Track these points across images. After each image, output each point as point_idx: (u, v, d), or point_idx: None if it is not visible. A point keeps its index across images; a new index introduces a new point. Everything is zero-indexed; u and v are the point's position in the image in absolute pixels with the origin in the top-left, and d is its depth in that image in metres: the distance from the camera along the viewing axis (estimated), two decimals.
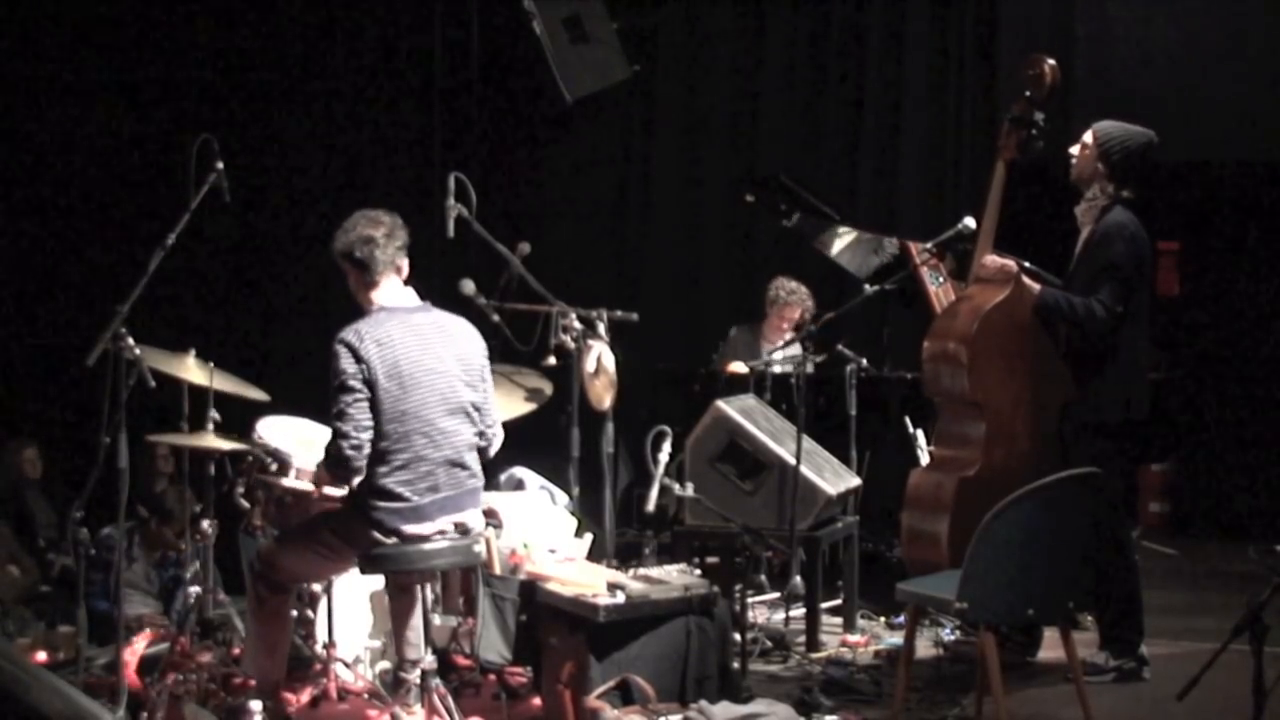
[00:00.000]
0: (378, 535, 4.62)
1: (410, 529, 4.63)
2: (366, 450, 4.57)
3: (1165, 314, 8.62)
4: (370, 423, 4.57)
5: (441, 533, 4.68)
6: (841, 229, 7.57)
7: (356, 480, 4.63)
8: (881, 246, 7.45)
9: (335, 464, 4.62)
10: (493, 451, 4.91)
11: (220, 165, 5.41)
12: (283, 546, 4.85)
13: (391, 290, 4.81)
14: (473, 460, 4.79)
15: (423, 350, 4.69)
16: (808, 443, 6.14)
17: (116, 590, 5.33)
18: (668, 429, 5.65)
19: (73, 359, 5.41)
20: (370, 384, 4.57)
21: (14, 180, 8.36)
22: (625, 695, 4.65)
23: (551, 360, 5.66)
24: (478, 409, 4.79)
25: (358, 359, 4.58)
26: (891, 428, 7.00)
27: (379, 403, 4.58)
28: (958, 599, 4.61)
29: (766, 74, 9.24)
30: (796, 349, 6.91)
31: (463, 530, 4.73)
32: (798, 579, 6.08)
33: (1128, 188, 5.59)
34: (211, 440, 5.29)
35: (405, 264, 4.86)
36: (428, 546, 4.64)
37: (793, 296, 7.62)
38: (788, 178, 7.77)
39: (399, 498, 4.61)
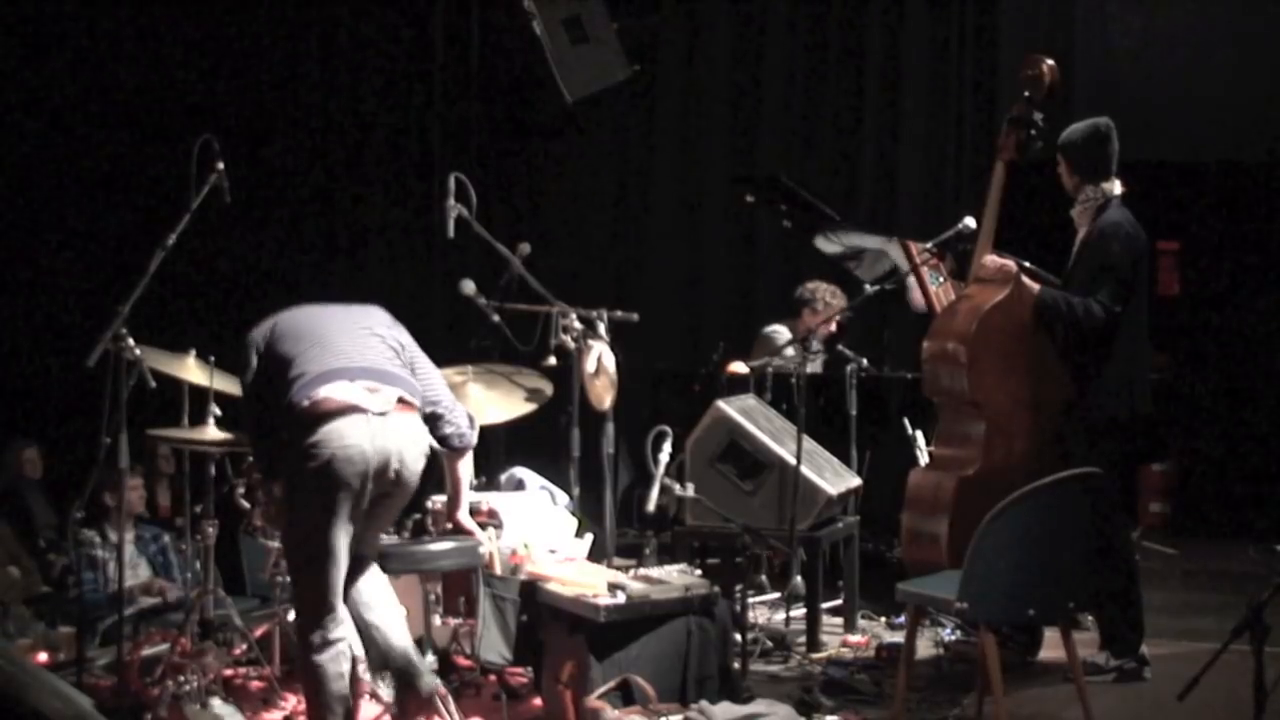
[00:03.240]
0: (307, 434, 4.42)
1: (324, 392, 4.45)
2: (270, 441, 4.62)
3: (1165, 314, 8.62)
4: (267, 415, 4.61)
5: (363, 410, 4.44)
6: (847, 236, 7.55)
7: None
8: (884, 256, 7.45)
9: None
10: (465, 435, 4.85)
11: (220, 165, 5.41)
12: (285, 548, 4.81)
13: None
14: (394, 365, 4.69)
15: (323, 311, 4.79)
16: (808, 443, 6.13)
17: (119, 589, 5.32)
18: (668, 429, 5.65)
19: (73, 359, 5.41)
20: (262, 349, 4.63)
21: (14, 180, 8.36)
22: (626, 695, 4.65)
23: (551, 360, 5.66)
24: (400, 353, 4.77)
25: (250, 342, 4.68)
26: (891, 428, 7.00)
27: (274, 347, 4.61)
28: (958, 599, 4.61)
29: (766, 74, 9.25)
30: (792, 350, 6.92)
31: (401, 401, 4.55)
32: (798, 579, 6.09)
33: (1109, 180, 5.60)
34: (212, 433, 5.30)
35: None
36: (433, 547, 4.61)
37: (836, 298, 7.47)
38: (788, 178, 7.77)
39: (301, 376, 4.52)
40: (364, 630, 4.58)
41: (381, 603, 4.67)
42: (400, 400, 4.58)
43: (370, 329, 4.74)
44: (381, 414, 4.48)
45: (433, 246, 9.06)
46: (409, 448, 4.56)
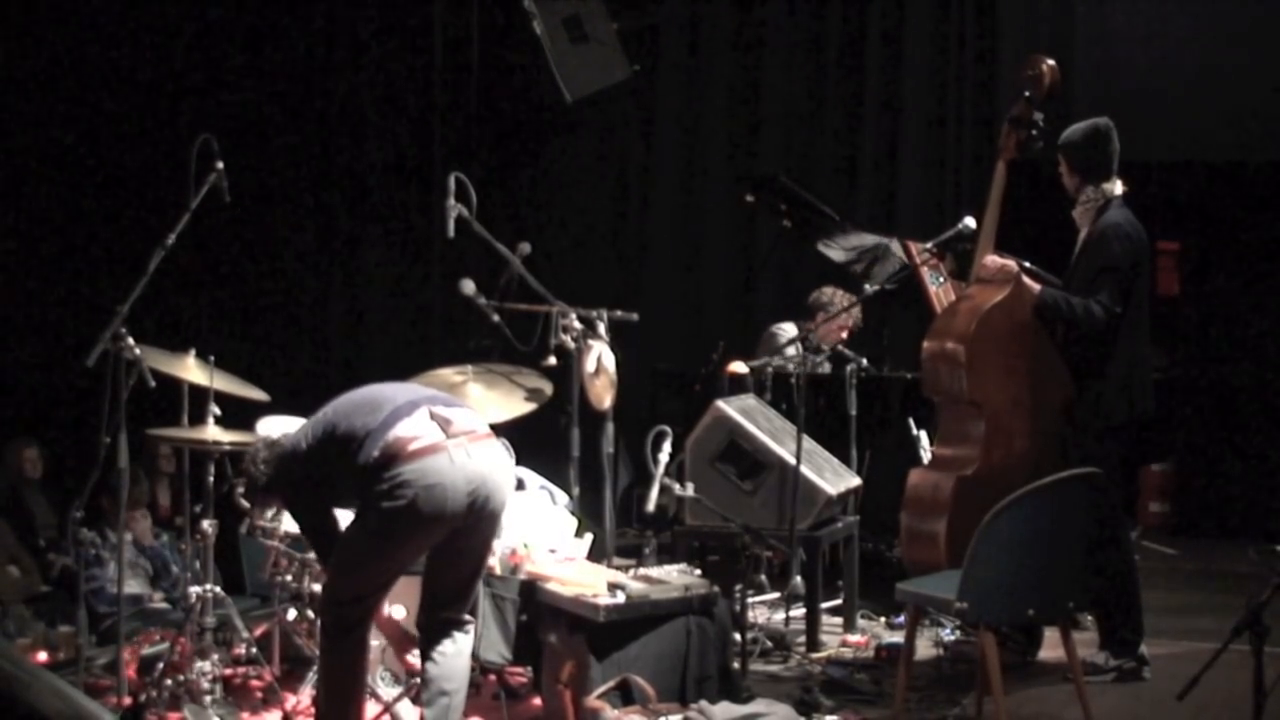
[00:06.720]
0: (387, 475, 4.21)
1: (396, 434, 4.23)
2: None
3: (1165, 314, 8.62)
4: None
5: (443, 449, 4.23)
6: (850, 238, 7.53)
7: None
8: (889, 253, 7.44)
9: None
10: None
11: (220, 165, 5.40)
12: (335, 572, 4.42)
13: None
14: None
15: (359, 390, 4.54)
16: (808, 443, 6.13)
17: (119, 589, 5.32)
18: (668, 429, 5.65)
19: (73, 359, 5.41)
20: (304, 448, 4.39)
21: (14, 180, 8.35)
22: (625, 695, 4.65)
23: (551, 360, 5.65)
24: None
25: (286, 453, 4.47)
26: (892, 428, 7.00)
27: (325, 434, 4.34)
28: (958, 599, 4.60)
29: (766, 74, 9.25)
30: (793, 350, 6.93)
31: (479, 429, 4.37)
32: (798, 579, 6.09)
33: (1109, 180, 5.60)
34: (212, 433, 5.30)
35: None
36: None
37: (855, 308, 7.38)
38: (787, 178, 7.77)
39: (366, 438, 4.25)
40: (428, 701, 4.39)
41: (458, 687, 4.44)
42: (477, 429, 4.41)
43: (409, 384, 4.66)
44: (458, 443, 4.29)
45: (433, 246, 9.07)
46: (494, 475, 4.38)
